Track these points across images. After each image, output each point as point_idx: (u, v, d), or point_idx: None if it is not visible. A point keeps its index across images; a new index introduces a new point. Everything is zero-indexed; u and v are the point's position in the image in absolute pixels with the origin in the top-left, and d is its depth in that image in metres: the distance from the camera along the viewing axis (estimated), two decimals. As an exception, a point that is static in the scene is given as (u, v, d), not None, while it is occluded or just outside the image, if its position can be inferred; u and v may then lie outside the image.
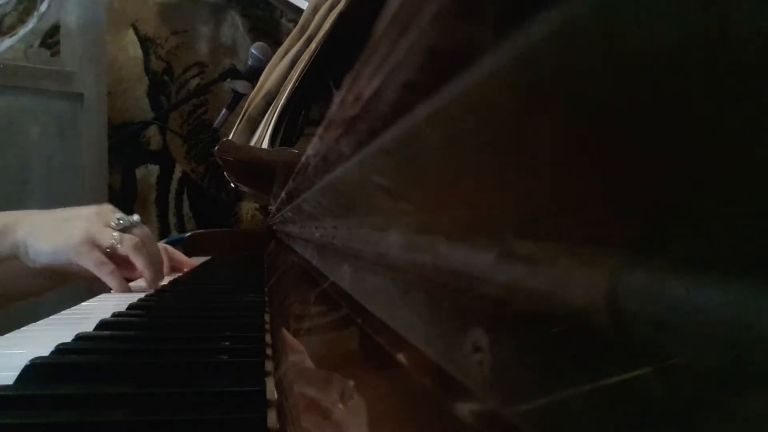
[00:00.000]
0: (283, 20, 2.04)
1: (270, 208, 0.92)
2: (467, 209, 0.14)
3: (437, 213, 0.16)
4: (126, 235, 0.73)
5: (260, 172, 0.79)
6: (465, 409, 0.14)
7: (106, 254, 0.72)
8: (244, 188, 1.06)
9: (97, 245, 0.72)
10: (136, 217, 0.76)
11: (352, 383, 0.23)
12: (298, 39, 0.90)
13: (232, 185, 1.04)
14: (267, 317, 0.55)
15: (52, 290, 0.85)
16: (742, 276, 0.07)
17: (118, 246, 0.72)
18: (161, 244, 1.06)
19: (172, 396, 0.32)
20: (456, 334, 0.13)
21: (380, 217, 0.20)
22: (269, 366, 0.38)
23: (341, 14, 0.81)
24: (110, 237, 0.72)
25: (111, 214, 0.75)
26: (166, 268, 0.90)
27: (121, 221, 0.74)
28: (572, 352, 0.09)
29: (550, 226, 0.10)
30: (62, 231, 0.73)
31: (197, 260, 1.11)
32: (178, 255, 1.04)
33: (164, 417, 0.29)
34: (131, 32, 1.93)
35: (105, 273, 0.71)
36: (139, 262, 0.73)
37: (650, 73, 0.06)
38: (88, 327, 0.48)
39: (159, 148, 1.98)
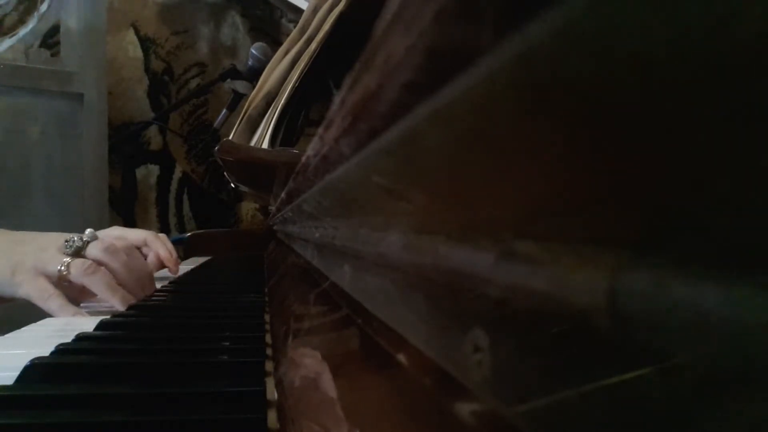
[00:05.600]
0: (283, 20, 2.04)
1: (270, 208, 0.92)
2: (467, 209, 0.14)
3: (437, 213, 0.16)
4: (77, 261, 0.64)
5: (260, 173, 0.79)
6: (465, 409, 0.14)
7: (61, 285, 0.63)
8: (245, 188, 1.06)
9: (45, 274, 0.63)
10: (88, 232, 0.68)
11: (352, 383, 0.23)
12: (298, 39, 0.90)
13: (233, 185, 1.04)
14: (267, 317, 0.55)
15: None
16: (742, 276, 0.07)
17: (67, 274, 0.63)
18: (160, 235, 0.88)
19: (172, 396, 0.32)
20: (456, 334, 0.13)
21: (380, 217, 0.20)
22: (269, 366, 0.38)
23: (341, 14, 0.81)
24: (58, 263, 0.63)
25: (62, 240, 0.66)
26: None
27: (70, 243, 0.65)
28: (572, 352, 0.09)
29: (550, 225, 0.10)
30: (6, 258, 0.64)
31: (198, 260, 1.10)
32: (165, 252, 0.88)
33: (164, 417, 0.29)
34: (131, 32, 1.93)
35: (42, 301, 0.62)
36: (95, 288, 0.63)
37: (650, 73, 0.06)
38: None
39: (159, 149, 1.98)
